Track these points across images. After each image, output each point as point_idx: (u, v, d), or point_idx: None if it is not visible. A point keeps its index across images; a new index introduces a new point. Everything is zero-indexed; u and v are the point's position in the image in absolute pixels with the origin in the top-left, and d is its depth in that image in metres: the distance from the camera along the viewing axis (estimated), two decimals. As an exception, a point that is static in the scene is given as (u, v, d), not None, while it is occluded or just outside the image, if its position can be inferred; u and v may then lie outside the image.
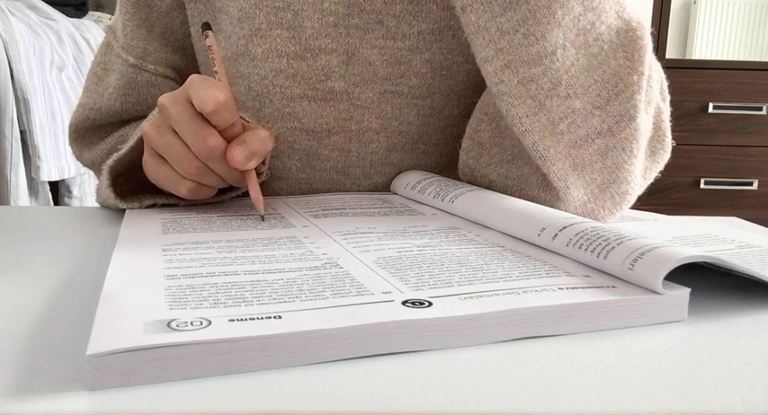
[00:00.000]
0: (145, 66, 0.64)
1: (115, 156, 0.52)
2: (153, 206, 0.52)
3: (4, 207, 0.57)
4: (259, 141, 0.47)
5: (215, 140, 0.46)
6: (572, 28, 0.44)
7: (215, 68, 0.51)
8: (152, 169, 0.49)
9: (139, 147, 0.52)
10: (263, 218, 0.48)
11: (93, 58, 0.69)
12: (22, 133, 1.50)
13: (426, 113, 0.60)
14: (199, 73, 0.64)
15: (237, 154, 0.46)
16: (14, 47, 1.47)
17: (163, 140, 0.47)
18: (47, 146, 1.54)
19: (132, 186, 0.54)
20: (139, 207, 0.51)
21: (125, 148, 0.52)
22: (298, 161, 0.60)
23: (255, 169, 0.50)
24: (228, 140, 0.47)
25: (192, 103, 0.46)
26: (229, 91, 0.46)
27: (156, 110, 0.57)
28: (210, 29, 0.53)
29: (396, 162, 0.61)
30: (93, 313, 0.27)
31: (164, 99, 0.47)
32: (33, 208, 0.57)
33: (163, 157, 0.48)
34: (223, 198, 0.54)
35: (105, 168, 0.52)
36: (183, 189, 0.48)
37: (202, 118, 0.46)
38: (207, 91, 0.45)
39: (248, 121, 0.51)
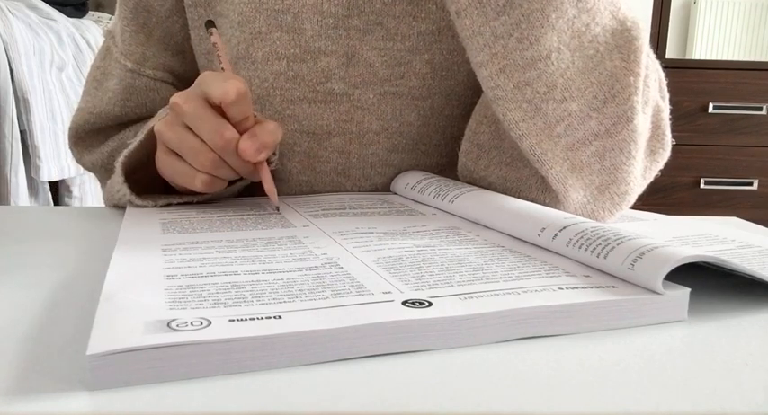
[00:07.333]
0: (143, 72, 0.64)
1: (126, 152, 0.53)
2: (168, 205, 0.53)
3: (4, 207, 0.58)
4: (268, 133, 0.49)
5: (231, 133, 0.48)
6: (566, 30, 0.44)
7: (221, 65, 0.52)
8: (166, 166, 0.51)
9: (147, 145, 0.53)
10: (278, 209, 0.50)
11: (92, 60, 0.69)
12: (22, 133, 1.50)
13: (427, 114, 0.60)
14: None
15: (249, 147, 0.48)
16: (14, 47, 1.47)
17: (177, 136, 0.49)
18: (47, 146, 1.54)
19: (143, 187, 0.55)
20: (153, 207, 0.52)
21: (134, 144, 0.53)
22: (298, 163, 0.61)
23: (267, 160, 0.51)
24: (241, 133, 0.48)
25: (205, 99, 0.47)
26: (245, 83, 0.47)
27: (162, 110, 0.57)
28: (214, 26, 0.53)
29: (396, 163, 0.61)
30: (93, 313, 0.27)
31: (176, 98, 0.48)
32: (33, 208, 0.57)
33: (176, 153, 0.50)
34: (233, 188, 0.55)
35: (117, 165, 0.53)
36: (197, 182, 0.49)
37: (216, 112, 0.47)
38: (228, 82, 0.46)
39: (256, 115, 0.52)
